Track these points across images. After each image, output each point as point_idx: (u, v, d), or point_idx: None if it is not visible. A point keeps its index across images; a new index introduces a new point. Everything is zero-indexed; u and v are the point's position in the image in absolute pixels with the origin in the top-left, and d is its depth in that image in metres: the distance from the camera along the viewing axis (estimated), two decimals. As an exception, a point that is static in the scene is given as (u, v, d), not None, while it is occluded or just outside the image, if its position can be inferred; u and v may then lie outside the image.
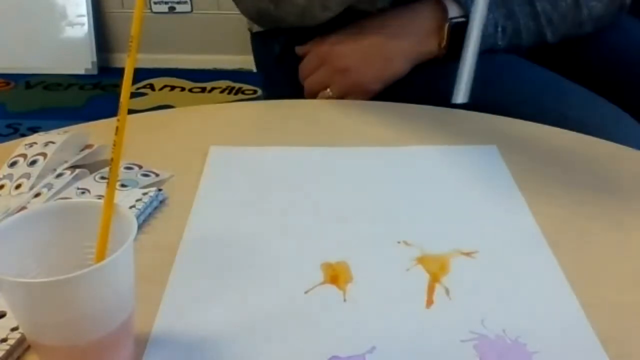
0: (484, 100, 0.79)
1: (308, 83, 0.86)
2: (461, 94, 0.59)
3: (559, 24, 0.85)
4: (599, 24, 0.89)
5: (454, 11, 0.81)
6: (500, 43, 0.83)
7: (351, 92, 0.83)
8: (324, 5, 0.75)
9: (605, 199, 0.58)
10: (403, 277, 0.50)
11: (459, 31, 0.80)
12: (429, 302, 0.47)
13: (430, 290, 0.49)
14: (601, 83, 0.87)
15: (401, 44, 0.82)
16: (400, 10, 0.83)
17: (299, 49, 0.88)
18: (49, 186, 0.58)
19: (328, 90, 0.84)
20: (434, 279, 0.50)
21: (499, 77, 0.84)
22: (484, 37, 0.81)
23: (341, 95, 0.83)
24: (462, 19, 0.80)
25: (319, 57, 0.85)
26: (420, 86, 0.83)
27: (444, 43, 0.81)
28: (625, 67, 0.92)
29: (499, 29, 0.81)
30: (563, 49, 0.94)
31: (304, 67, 0.86)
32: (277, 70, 1.00)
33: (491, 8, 0.80)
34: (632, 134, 0.77)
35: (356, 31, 0.84)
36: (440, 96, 0.82)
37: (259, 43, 1.01)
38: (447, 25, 0.80)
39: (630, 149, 0.68)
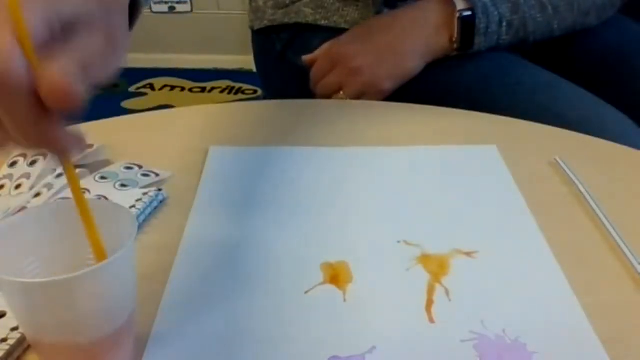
0: (483, 100, 0.79)
1: (321, 86, 0.85)
2: None
3: (566, 13, 0.85)
4: (602, 14, 0.90)
5: (460, 4, 0.81)
6: (505, 37, 0.83)
7: (365, 91, 0.83)
8: None
9: (604, 199, 0.58)
10: (403, 277, 0.50)
11: (468, 27, 0.80)
12: (429, 303, 0.47)
13: (430, 290, 0.49)
14: (598, 82, 0.87)
15: (412, 40, 0.83)
16: (408, 7, 0.84)
17: (306, 58, 0.88)
18: (49, 186, 0.58)
19: (341, 92, 0.84)
20: (434, 279, 0.50)
21: (498, 77, 0.84)
22: (489, 34, 0.81)
23: (355, 96, 0.83)
24: (470, 13, 0.80)
25: (331, 60, 0.84)
26: (433, 87, 0.83)
27: (455, 37, 0.81)
28: (621, 66, 0.92)
29: (504, 24, 0.82)
30: (560, 49, 0.95)
31: (316, 71, 0.86)
32: (278, 68, 1.00)
33: (496, 4, 0.81)
34: (631, 134, 0.77)
35: (366, 30, 0.84)
36: (450, 96, 0.82)
37: (261, 40, 1.01)
38: (456, 18, 0.81)
39: (629, 148, 0.68)
